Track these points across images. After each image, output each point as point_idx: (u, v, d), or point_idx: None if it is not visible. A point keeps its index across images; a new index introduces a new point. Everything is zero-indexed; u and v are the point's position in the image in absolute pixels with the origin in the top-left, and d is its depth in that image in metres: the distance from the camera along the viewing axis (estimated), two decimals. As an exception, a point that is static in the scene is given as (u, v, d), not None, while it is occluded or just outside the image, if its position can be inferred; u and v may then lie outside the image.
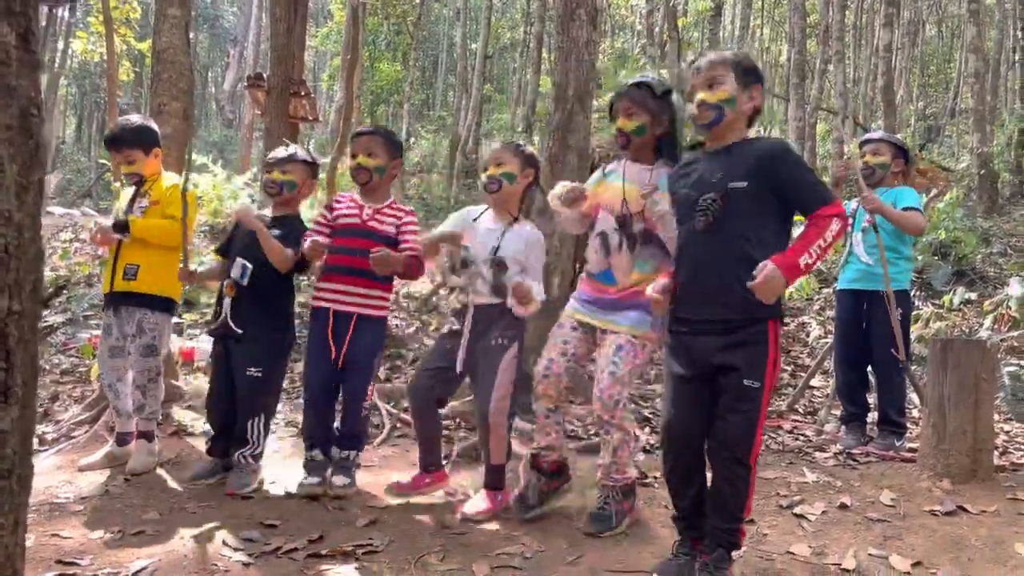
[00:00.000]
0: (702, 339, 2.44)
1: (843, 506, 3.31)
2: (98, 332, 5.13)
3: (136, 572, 2.45)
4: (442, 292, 7.28)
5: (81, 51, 15.76)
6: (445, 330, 3.34)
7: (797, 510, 3.25)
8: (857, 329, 4.36)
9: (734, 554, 2.48)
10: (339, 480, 3.29)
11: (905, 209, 4.18)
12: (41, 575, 2.39)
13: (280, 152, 3.57)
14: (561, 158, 5.06)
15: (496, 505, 3.11)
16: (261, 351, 3.40)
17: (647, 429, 4.46)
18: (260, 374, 3.37)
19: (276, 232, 3.36)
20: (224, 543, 2.72)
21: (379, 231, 3.35)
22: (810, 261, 2.29)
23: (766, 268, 2.24)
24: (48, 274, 7.83)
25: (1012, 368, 5.55)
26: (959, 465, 3.61)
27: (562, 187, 3.04)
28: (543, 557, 2.71)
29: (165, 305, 3.70)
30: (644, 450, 4.11)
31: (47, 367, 5.69)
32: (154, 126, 3.86)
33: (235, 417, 3.42)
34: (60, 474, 3.52)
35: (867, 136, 4.66)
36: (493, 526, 3.03)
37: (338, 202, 3.47)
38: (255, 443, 3.39)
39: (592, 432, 4.30)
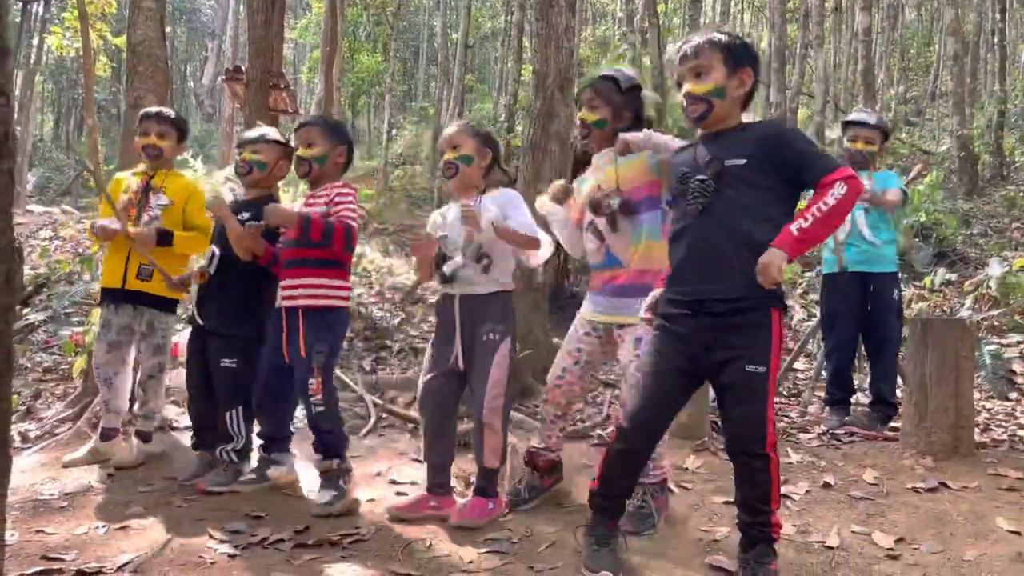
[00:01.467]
0: (698, 321, 2.33)
1: (826, 485, 3.34)
2: (79, 329, 5.10)
3: (121, 566, 2.44)
4: (425, 283, 7.27)
5: (56, 47, 15.56)
6: (436, 323, 3.19)
7: (782, 490, 3.26)
8: (858, 311, 4.36)
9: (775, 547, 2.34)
10: (320, 497, 3.08)
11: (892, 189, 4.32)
12: (26, 571, 2.37)
13: (252, 132, 3.55)
14: (542, 146, 5.06)
15: (487, 514, 2.92)
16: (234, 342, 3.33)
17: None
18: (235, 365, 3.31)
19: (245, 215, 3.30)
20: (210, 535, 2.71)
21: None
22: (805, 225, 2.17)
23: (762, 259, 2.17)
24: (28, 272, 7.75)
25: (993, 347, 5.61)
26: (941, 442, 3.65)
27: (549, 190, 3.08)
28: (529, 542, 2.72)
29: (173, 306, 3.75)
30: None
31: (29, 365, 5.64)
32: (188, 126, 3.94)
33: (215, 410, 3.40)
34: (44, 471, 3.50)
35: (857, 117, 4.53)
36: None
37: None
38: (237, 437, 3.35)
39: (587, 424, 4.32)
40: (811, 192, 2.29)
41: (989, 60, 19.70)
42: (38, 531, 2.75)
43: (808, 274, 8.36)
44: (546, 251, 3.06)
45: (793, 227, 2.19)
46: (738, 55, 2.37)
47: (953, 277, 7.73)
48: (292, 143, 3.46)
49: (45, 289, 7.19)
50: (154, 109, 3.83)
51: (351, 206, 3.16)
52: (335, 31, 9.88)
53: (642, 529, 2.80)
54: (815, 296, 7.69)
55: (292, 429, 3.42)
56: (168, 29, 6.21)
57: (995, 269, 6.88)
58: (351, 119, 23.15)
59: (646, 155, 2.88)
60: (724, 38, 2.38)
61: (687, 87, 2.40)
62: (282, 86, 7.84)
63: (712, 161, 2.34)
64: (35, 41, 24.57)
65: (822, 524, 2.92)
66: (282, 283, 3.22)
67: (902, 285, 4.58)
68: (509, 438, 3.52)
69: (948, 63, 14.77)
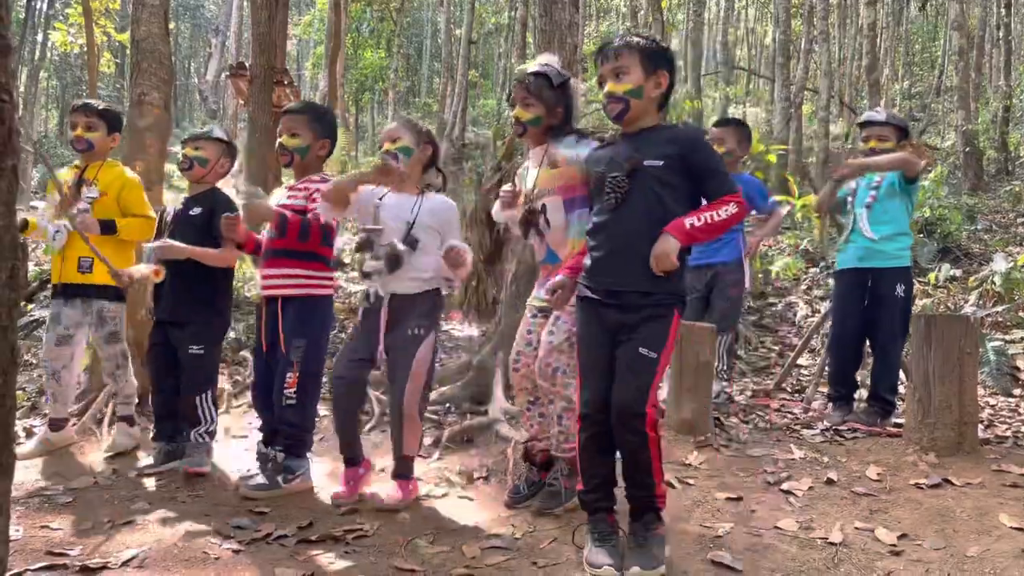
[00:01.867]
0: (610, 309, 2.51)
1: (830, 481, 3.34)
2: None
3: (126, 561, 2.45)
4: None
5: (60, 43, 15.57)
6: (360, 316, 3.20)
7: (784, 486, 3.28)
8: (858, 308, 4.35)
9: (663, 516, 2.53)
10: (252, 481, 3.17)
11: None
12: (31, 566, 2.39)
13: (197, 130, 3.69)
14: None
15: (407, 495, 3.03)
16: (198, 330, 3.45)
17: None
18: (202, 351, 3.43)
19: (196, 210, 3.47)
20: (214, 531, 2.72)
21: (288, 207, 3.19)
22: (697, 223, 2.40)
23: (656, 246, 2.39)
24: (32, 269, 7.77)
25: (997, 343, 5.59)
26: (944, 439, 3.64)
27: (499, 200, 3.12)
28: (531, 538, 2.72)
29: (119, 294, 3.80)
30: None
31: (33, 361, 5.66)
32: (123, 117, 4.00)
33: (176, 402, 3.49)
34: (48, 466, 3.51)
35: (870, 117, 4.50)
36: (483, 513, 3.04)
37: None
38: (207, 420, 3.44)
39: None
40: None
41: (994, 55, 19.61)
42: (43, 526, 2.77)
43: (812, 270, 8.35)
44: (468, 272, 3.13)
45: (686, 221, 2.41)
46: (655, 58, 2.53)
47: (957, 273, 7.71)
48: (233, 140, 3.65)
49: (49, 285, 7.20)
50: (80, 101, 3.91)
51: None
52: (338, 27, 9.90)
53: (550, 507, 2.92)
54: (819, 292, 7.69)
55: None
56: (172, 25, 6.20)
57: (999, 265, 6.86)
58: (354, 115, 23.14)
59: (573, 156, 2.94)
60: (642, 41, 2.54)
61: (608, 86, 2.54)
62: (286, 82, 7.86)
63: (630, 159, 2.48)
64: (39, 37, 24.61)
65: (825, 520, 2.92)
66: (262, 272, 3.28)
67: (913, 281, 4.50)
68: (510, 432, 3.53)
69: (953, 58, 14.74)
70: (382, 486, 3.12)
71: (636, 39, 2.55)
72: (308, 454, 3.30)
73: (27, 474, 3.36)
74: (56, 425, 3.76)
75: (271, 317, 3.24)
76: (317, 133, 3.31)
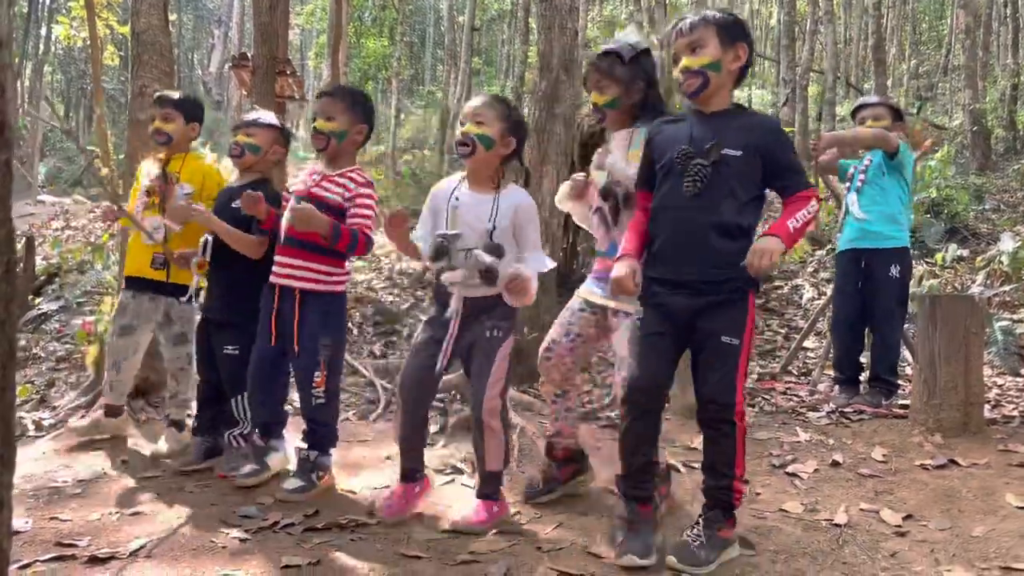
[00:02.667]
0: (679, 299, 2.43)
1: (835, 463, 3.34)
2: (91, 318, 5.14)
3: (134, 551, 2.47)
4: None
5: (64, 37, 15.57)
6: (429, 319, 2.96)
7: (790, 469, 3.28)
8: (856, 288, 4.38)
9: (736, 513, 2.46)
10: (289, 484, 3.05)
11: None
12: (40, 557, 2.41)
13: (247, 115, 3.55)
14: (548, 128, 5.03)
15: (490, 518, 2.73)
16: (236, 329, 3.32)
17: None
18: (237, 352, 3.31)
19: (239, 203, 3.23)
20: (221, 520, 2.74)
21: (323, 199, 3.05)
22: (798, 226, 2.36)
23: (757, 245, 2.30)
24: (40, 262, 7.81)
25: (1004, 323, 5.57)
26: (950, 419, 3.64)
27: (566, 186, 3.02)
28: (538, 523, 2.74)
29: (190, 295, 3.70)
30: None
31: (42, 354, 5.70)
32: (202, 104, 3.90)
33: (219, 395, 3.44)
34: (58, 459, 3.54)
35: (864, 100, 4.65)
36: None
37: (304, 172, 3.31)
38: (244, 421, 3.36)
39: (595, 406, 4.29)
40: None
41: (1002, 33, 19.41)
42: (52, 517, 2.79)
43: (819, 252, 8.32)
44: (532, 299, 2.82)
45: (789, 223, 2.34)
46: (732, 30, 2.44)
47: (965, 253, 7.67)
48: (288, 126, 3.48)
49: (57, 278, 7.26)
50: (157, 93, 3.81)
51: (370, 212, 3.09)
52: (340, 16, 9.86)
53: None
54: (825, 275, 7.67)
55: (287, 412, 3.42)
56: (174, 17, 6.19)
57: (1007, 244, 6.83)
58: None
59: None
60: (718, 14, 2.46)
61: (683, 61, 2.44)
62: (289, 72, 7.82)
63: (712, 148, 2.39)
64: (43, 31, 24.62)
65: (830, 502, 2.93)
66: (278, 259, 3.13)
67: (911, 261, 4.51)
68: (516, 419, 3.49)
69: (960, 36, 14.59)
70: (460, 508, 2.83)
71: (711, 13, 2.46)
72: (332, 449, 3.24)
73: (36, 466, 3.38)
74: (112, 412, 3.73)
75: (287, 309, 3.11)
76: (355, 118, 3.15)
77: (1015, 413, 4.16)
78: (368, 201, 3.10)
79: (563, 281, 7.19)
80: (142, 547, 2.50)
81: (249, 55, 8.22)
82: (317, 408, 3.12)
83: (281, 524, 2.69)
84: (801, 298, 7.31)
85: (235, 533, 2.62)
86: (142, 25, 4.58)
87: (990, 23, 17.29)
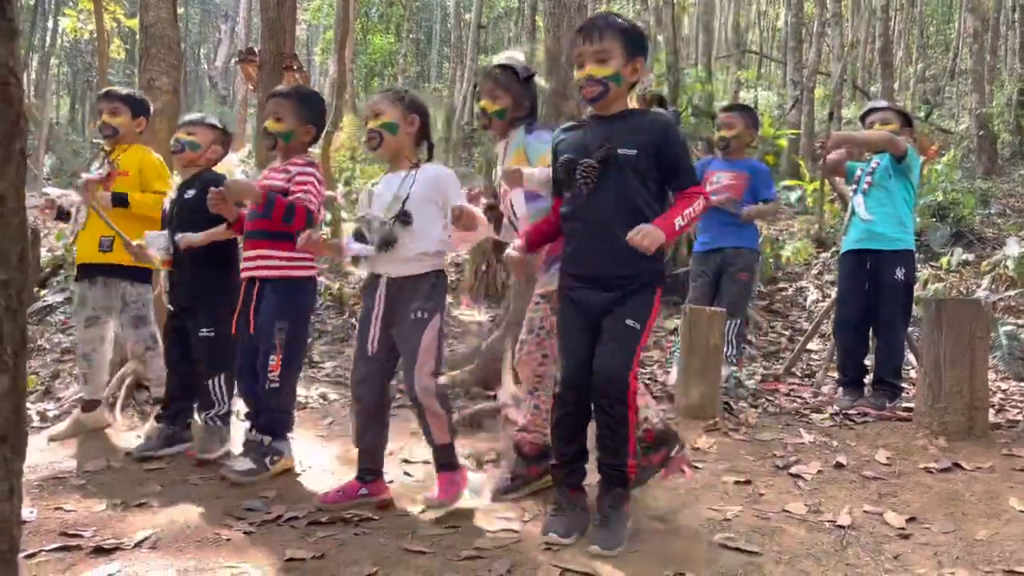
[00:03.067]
0: (592, 293, 2.57)
1: (839, 465, 3.34)
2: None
3: (139, 542, 2.48)
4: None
5: (71, 29, 15.59)
6: (363, 308, 3.02)
7: (793, 470, 3.28)
8: (860, 290, 4.38)
9: (633, 493, 2.64)
10: (239, 464, 3.13)
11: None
12: (45, 547, 2.42)
13: (191, 115, 3.70)
14: (555, 126, 5.02)
15: (456, 488, 2.84)
16: (209, 314, 3.45)
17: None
18: (212, 334, 3.43)
19: (190, 193, 3.50)
20: (226, 512, 2.75)
21: (268, 187, 3.12)
22: (683, 223, 2.49)
23: (644, 226, 2.40)
24: (45, 255, 7.82)
25: (1009, 327, 5.56)
26: (955, 423, 3.63)
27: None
28: (542, 521, 2.73)
29: (143, 275, 3.82)
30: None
31: (47, 346, 5.71)
32: (150, 104, 4.02)
33: (188, 391, 3.53)
34: (63, 449, 3.55)
35: (873, 105, 4.66)
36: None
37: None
38: (220, 403, 3.46)
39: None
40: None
41: (1009, 37, 19.36)
42: (57, 508, 2.80)
43: (824, 255, 8.31)
44: (484, 232, 2.95)
45: (676, 220, 2.47)
46: (635, 43, 2.55)
47: (970, 257, 7.66)
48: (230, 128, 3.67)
49: (62, 270, 7.26)
50: (104, 89, 3.97)
51: (311, 187, 3.15)
52: (347, 12, 9.87)
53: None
54: (829, 277, 7.66)
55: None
56: (181, 11, 6.18)
57: (1012, 249, 6.82)
58: (364, 100, 23.10)
59: (523, 150, 2.97)
60: (625, 24, 2.56)
61: (588, 69, 2.53)
62: (295, 68, 7.83)
63: (602, 146, 2.50)
64: (49, 24, 24.66)
65: (833, 504, 2.92)
66: (244, 255, 3.30)
67: (916, 265, 4.51)
68: (519, 417, 3.49)
69: (968, 40, 14.57)
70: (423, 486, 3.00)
71: (619, 20, 2.56)
72: (289, 435, 3.30)
73: (41, 457, 3.39)
74: (89, 406, 3.80)
75: (248, 299, 3.23)
76: (303, 119, 3.26)
77: (1019, 418, 4.16)
78: (307, 178, 3.16)
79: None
80: (147, 538, 2.51)
81: (256, 50, 8.26)
82: (271, 392, 3.16)
83: (285, 517, 2.70)
84: (805, 300, 7.30)
85: (239, 525, 2.63)
86: (151, 19, 4.60)
87: (998, 27, 17.28)
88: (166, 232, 3.53)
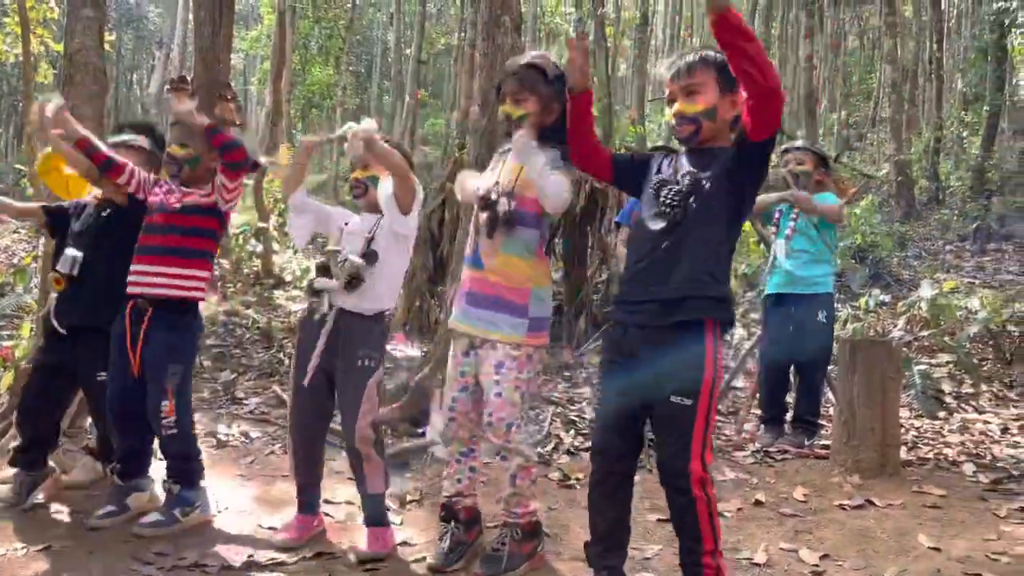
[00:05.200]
0: (632, 331, 2.30)
1: (758, 503, 3.40)
2: (9, 343, 4.94)
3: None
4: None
5: (-4, 51, 15.16)
6: (299, 332, 2.98)
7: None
8: (784, 331, 4.48)
9: None
10: (147, 518, 2.94)
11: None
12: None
13: (119, 136, 3.43)
14: (487, 163, 5.07)
15: (388, 543, 2.83)
16: (106, 351, 3.07)
17: (572, 431, 4.49)
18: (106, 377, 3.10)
19: (108, 211, 3.23)
20: (133, 557, 2.65)
21: (195, 204, 3.06)
22: (753, 44, 2.06)
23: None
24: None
25: (923, 367, 5.76)
26: (868, 460, 3.75)
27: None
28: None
29: None
30: (568, 452, 4.14)
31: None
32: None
33: (54, 431, 3.27)
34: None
35: (788, 145, 4.82)
36: (414, 536, 3.01)
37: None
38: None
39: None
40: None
41: (927, 88, 20.35)
42: (-48, 553, 2.66)
43: (749, 294, 8.51)
44: (419, 201, 2.84)
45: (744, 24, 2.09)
46: (731, 77, 2.23)
47: (887, 298, 7.94)
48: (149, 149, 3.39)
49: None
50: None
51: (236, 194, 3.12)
52: (284, 43, 9.84)
53: (490, 573, 2.62)
54: (755, 315, 7.84)
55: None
56: (113, 37, 6.08)
57: (926, 291, 7.09)
58: (302, 131, 22.95)
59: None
60: (719, 57, 2.25)
61: (678, 106, 2.31)
62: (229, 97, 7.74)
63: (687, 175, 2.28)
64: (-26, 45, 23.90)
65: (752, 541, 2.98)
66: (132, 267, 3.03)
67: (835, 306, 4.66)
68: (446, 455, 3.46)
69: (887, 90, 15.25)
70: (354, 534, 2.92)
71: (713, 54, 2.27)
72: (203, 483, 3.11)
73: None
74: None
75: (136, 322, 2.98)
76: (207, 144, 3.06)
77: (930, 455, 4.30)
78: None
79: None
80: (47, 585, 2.40)
81: (188, 78, 8.16)
82: (170, 440, 3.00)
83: (197, 562, 2.62)
84: (732, 338, 7.45)
85: (147, 570, 2.54)
86: (75, 45, 4.50)
87: (916, 78, 18.13)
88: (76, 251, 3.17)
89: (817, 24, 18.29)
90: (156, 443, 3.17)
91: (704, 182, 2.24)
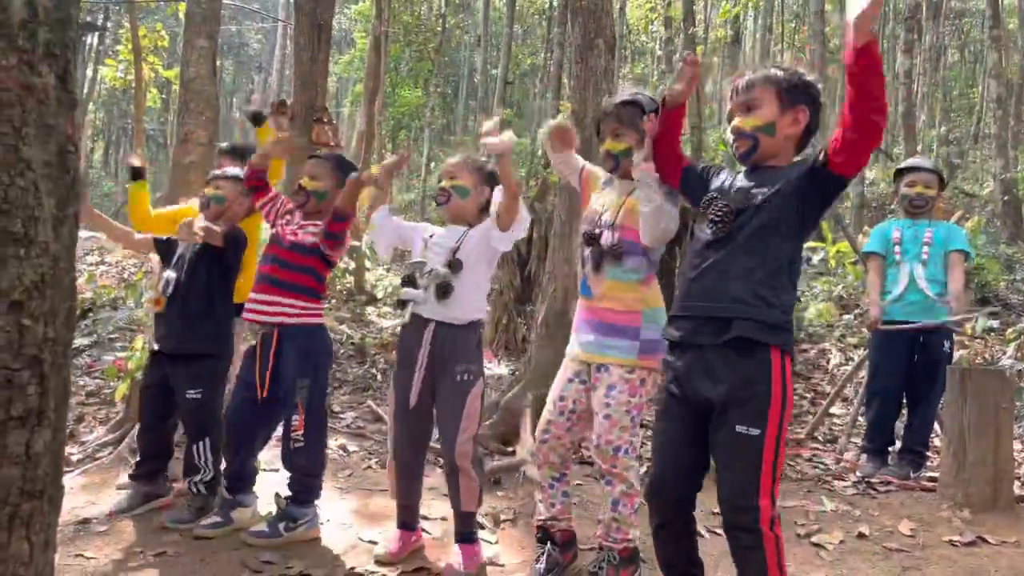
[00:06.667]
0: (691, 355, 2.19)
1: (861, 535, 3.29)
2: (122, 354, 5.20)
3: (157, 593, 2.48)
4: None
5: (109, 78, 16.09)
6: (398, 354, 3.02)
7: (815, 539, 3.24)
8: (906, 362, 4.30)
9: None
10: (255, 527, 3.05)
11: (955, 251, 4.28)
12: (65, 595, 2.43)
13: (218, 170, 3.62)
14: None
15: (476, 562, 2.84)
16: (197, 371, 3.26)
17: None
18: (200, 396, 3.24)
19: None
20: (242, 564, 2.75)
21: (301, 243, 3.17)
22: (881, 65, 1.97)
23: None
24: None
25: (1036, 397, 5.47)
26: (979, 495, 3.58)
27: (548, 127, 2.95)
28: (559, 583, 2.71)
29: None
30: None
31: (72, 389, 5.77)
32: None
33: (165, 449, 3.43)
34: (85, 494, 3.57)
35: (915, 163, 4.59)
36: (509, 555, 3.03)
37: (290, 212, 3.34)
38: (205, 469, 3.28)
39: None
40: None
41: (1034, 103, 19.41)
42: (78, 555, 2.82)
43: (847, 317, 8.26)
44: (522, 227, 2.84)
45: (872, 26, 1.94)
46: (795, 92, 2.19)
47: (995, 324, 7.58)
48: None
49: (90, 314, 7.37)
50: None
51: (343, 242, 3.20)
52: (378, 67, 10.10)
53: None
54: (852, 340, 7.60)
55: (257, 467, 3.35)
56: (217, 63, 6.38)
57: (1039, 316, 6.74)
58: (391, 151, 23.54)
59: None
60: (781, 73, 2.21)
61: (735, 121, 2.26)
62: (325, 120, 8.01)
63: (740, 190, 2.22)
64: (88, 72, 25.43)
65: None
66: (252, 298, 3.16)
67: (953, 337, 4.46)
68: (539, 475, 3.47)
69: (991, 105, 14.62)
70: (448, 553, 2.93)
71: (774, 71, 2.21)
72: (316, 501, 3.18)
73: (63, 501, 3.41)
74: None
75: (265, 350, 3.11)
76: (339, 181, 3.22)
77: (1046, 491, 4.08)
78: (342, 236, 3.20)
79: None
80: (165, 589, 2.51)
81: (287, 102, 8.47)
82: (296, 452, 3.07)
83: (304, 572, 2.70)
84: (828, 363, 7.24)
85: (257, 579, 2.63)
86: (191, 74, 4.76)
87: (1022, 93, 17.33)
88: (172, 272, 3.35)
89: (915, 37, 17.68)
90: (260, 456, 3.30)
91: (758, 200, 2.16)
